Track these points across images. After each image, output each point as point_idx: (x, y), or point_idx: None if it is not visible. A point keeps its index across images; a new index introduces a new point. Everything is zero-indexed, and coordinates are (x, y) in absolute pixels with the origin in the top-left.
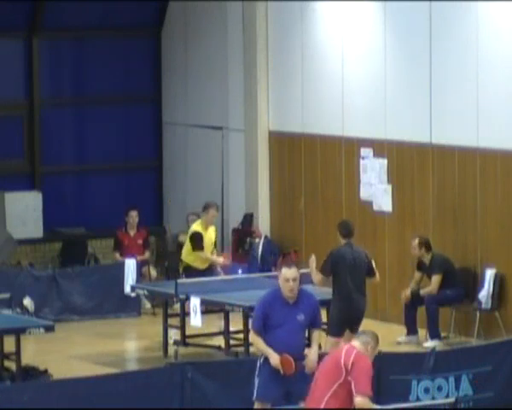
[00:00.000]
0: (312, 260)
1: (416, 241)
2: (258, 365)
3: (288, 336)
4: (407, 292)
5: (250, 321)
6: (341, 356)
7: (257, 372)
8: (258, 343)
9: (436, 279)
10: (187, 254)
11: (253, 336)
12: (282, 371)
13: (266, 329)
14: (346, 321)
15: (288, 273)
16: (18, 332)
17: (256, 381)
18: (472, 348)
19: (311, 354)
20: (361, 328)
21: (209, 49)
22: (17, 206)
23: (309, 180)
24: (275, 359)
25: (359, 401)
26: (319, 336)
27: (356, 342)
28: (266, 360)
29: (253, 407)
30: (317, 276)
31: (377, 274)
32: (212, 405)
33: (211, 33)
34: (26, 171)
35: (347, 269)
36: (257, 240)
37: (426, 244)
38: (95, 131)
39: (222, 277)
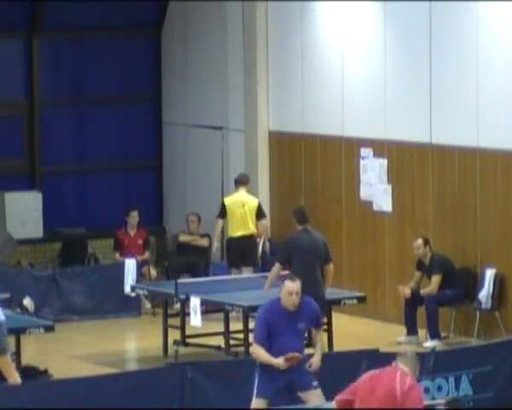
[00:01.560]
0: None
1: (420, 240)
2: (258, 362)
3: (288, 343)
4: (406, 290)
5: (250, 321)
6: (396, 386)
7: (257, 370)
8: (260, 355)
9: (436, 279)
10: (251, 224)
11: (255, 348)
12: (293, 365)
13: (269, 336)
14: None
15: (292, 287)
16: (18, 332)
17: (256, 378)
18: (472, 348)
19: (316, 359)
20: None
21: (209, 49)
22: (17, 206)
23: (309, 180)
24: (280, 364)
25: None
26: (321, 338)
27: (405, 367)
28: (266, 366)
29: (252, 404)
30: (274, 269)
31: (332, 264)
32: (212, 405)
33: (211, 33)
34: (26, 171)
35: (302, 255)
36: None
37: (428, 242)
38: (95, 131)
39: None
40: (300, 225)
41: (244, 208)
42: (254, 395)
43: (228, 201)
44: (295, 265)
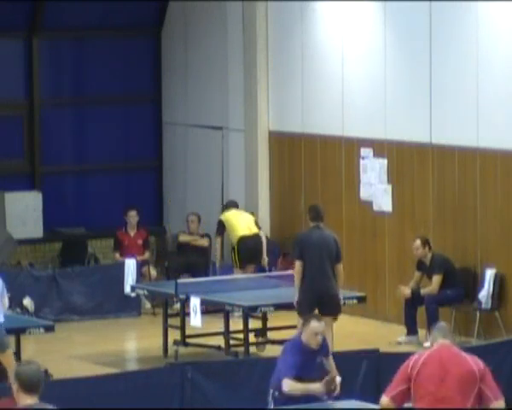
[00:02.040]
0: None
1: (418, 241)
2: (272, 394)
3: (310, 379)
4: (406, 290)
5: (250, 321)
6: (470, 363)
7: (271, 401)
8: (298, 387)
9: (437, 279)
10: (255, 226)
11: (289, 383)
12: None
13: None
14: (310, 302)
15: (317, 327)
16: (18, 332)
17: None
18: (472, 348)
19: (338, 384)
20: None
21: (209, 49)
22: (17, 206)
23: (309, 180)
24: (320, 389)
25: (502, 403)
26: (333, 362)
27: (445, 341)
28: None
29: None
30: (295, 268)
31: (341, 265)
32: (212, 405)
33: (211, 33)
34: (26, 171)
35: (312, 251)
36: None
37: (427, 243)
38: (95, 131)
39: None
40: (313, 221)
41: (245, 214)
42: None
43: (226, 215)
44: (306, 261)
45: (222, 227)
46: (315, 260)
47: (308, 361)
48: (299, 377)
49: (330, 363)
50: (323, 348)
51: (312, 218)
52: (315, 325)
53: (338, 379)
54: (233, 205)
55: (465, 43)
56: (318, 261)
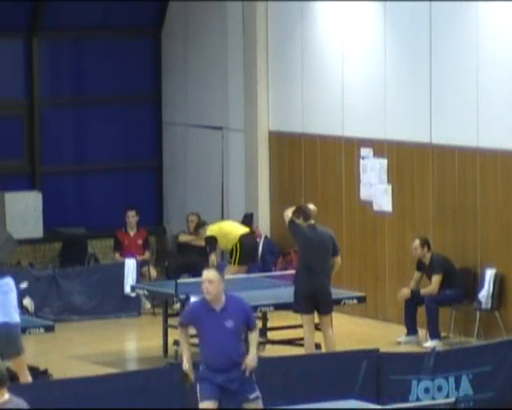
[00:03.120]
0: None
1: (417, 241)
2: (198, 370)
3: (220, 342)
4: (406, 290)
5: None
6: None
7: (197, 374)
8: (181, 340)
9: (437, 279)
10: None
11: (180, 329)
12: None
13: (199, 337)
14: (305, 299)
15: (205, 275)
16: None
17: (198, 386)
18: (472, 348)
19: (249, 358)
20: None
21: (209, 49)
22: (17, 206)
23: (309, 180)
24: (185, 365)
25: None
26: (256, 338)
27: None
28: (204, 366)
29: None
30: (287, 212)
31: (339, 257)
32: None
33: (211, 33)
34: (26, 171)
35: (309, 249)
36: (257, 240)
37: (426, 243)
38: (95, 131)
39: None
40: (305, 221)
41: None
42: (199, 400)
43: (211, 229)
44: (300, 256)
45: (213, 242)
46: (310, 260)
47: (212, 322)
48: (204, 338)
49: (253, 338)
50: (238, 315)
51: (304, 218)
52: (204, 273)
53: (251, 358)
54: (206, 223)
55: (465, 43)
56: (314, 261)
